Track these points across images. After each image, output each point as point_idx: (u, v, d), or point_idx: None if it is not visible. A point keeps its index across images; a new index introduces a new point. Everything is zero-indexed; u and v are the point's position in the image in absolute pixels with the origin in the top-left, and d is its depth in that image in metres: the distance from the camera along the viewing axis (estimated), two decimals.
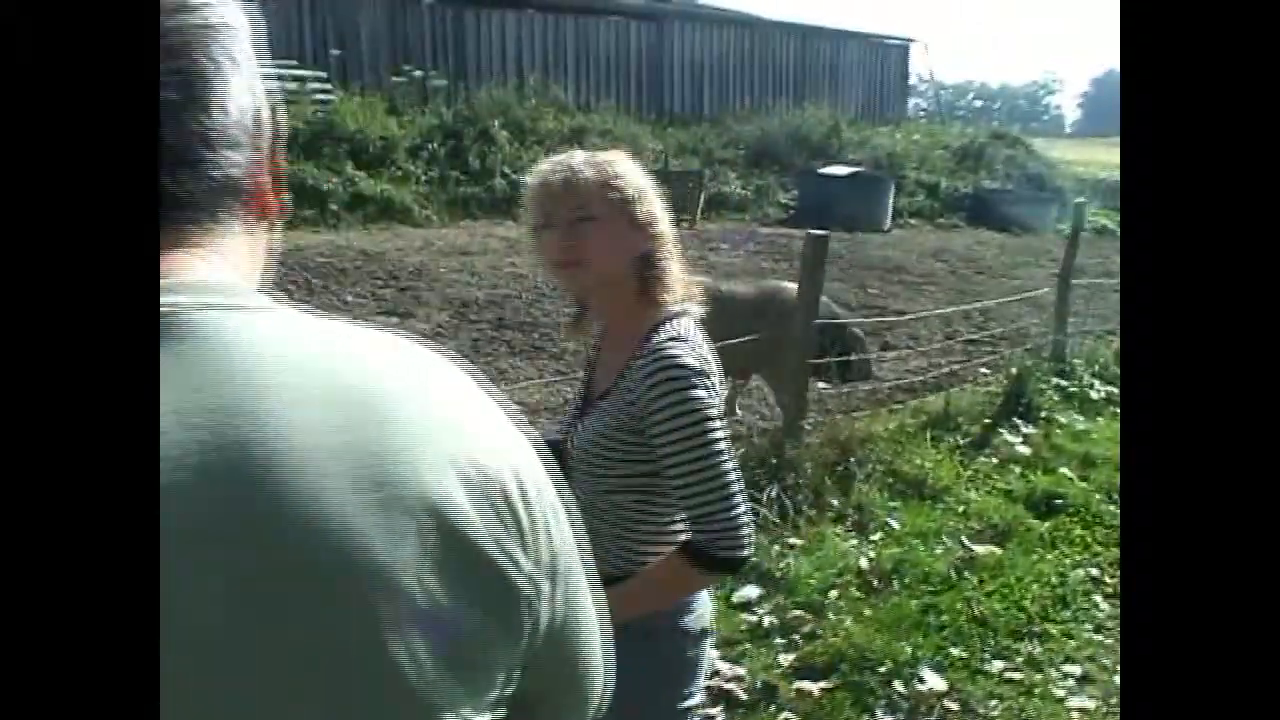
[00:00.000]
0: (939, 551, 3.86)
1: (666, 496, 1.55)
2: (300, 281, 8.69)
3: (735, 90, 18.79)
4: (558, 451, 1.69)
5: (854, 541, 3.92)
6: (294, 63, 13.51)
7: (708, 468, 1.50)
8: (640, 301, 1.62)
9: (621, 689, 1.74)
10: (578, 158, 1.60)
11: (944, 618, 3.42)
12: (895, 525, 4.04)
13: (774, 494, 3.91)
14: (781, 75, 19.65)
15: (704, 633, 1.70)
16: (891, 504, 4.24)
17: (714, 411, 1.52)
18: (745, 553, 1.52)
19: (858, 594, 3.55)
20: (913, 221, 15.82)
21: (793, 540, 3.85)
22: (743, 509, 1.52)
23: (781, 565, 3.62)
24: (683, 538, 1.57)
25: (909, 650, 3.21)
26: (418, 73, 14.42)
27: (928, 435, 4.91)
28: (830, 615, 3.39)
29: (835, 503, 4.14)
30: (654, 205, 1.62)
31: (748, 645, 3.22)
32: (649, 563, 1.63)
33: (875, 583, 3.61)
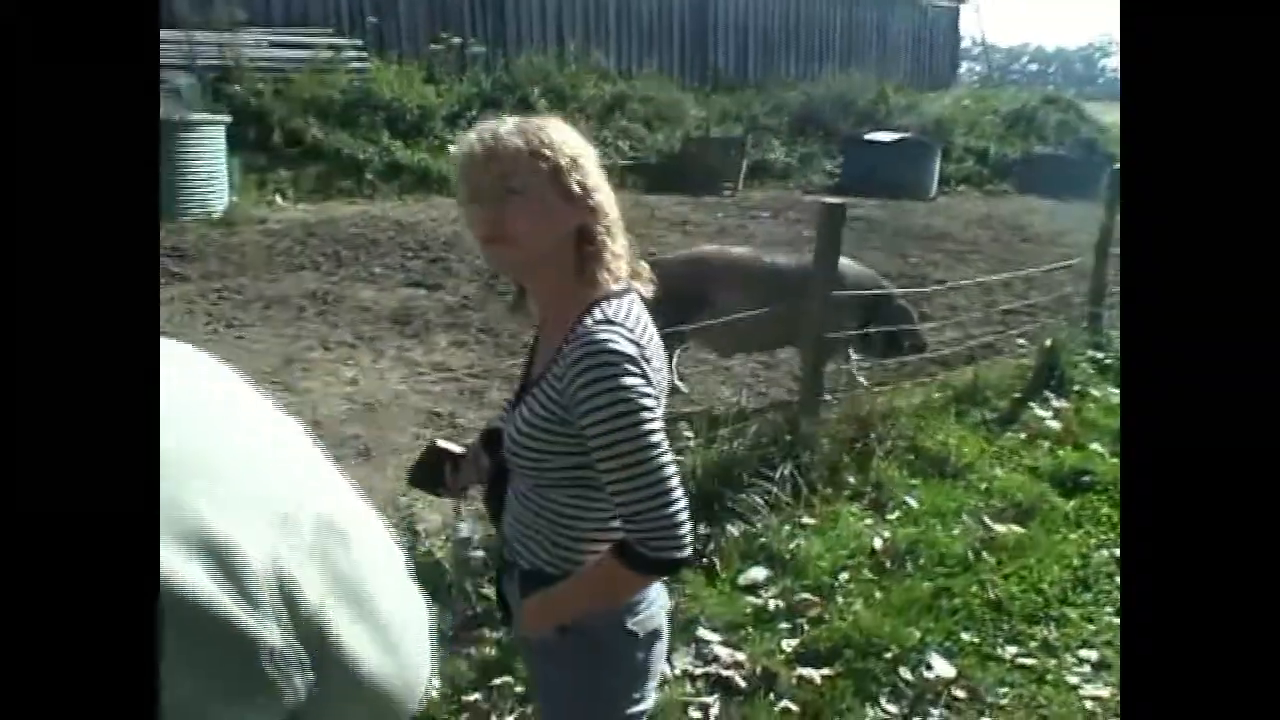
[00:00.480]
0: (957, 531, 3.73)
1: (604, 491, 1.46)
2: (330, 253, 8.70)
3: (781, 56, 18.42)
4: (499, 441, 1.61)
5: (869, 521, 3.80)
6: (330, 31, 13.49)
7: (639, 461, 1.40)
8: (577, 281, 1.51)
9: (562, 695, 1.68)
10: (506, 125, 1.49)
11: (957, 601, 3.30)
12: (913, 504, 3.91)
13: (787, 472, 3.80)
14: (828, 40, 19.21)
15: (654, 635, 1.61)
16: (911, 482, 4.11)
17: (648, 401, 1.41)
18: (681, 554, 1.42)
19: (869, 576, 3.44)
20: (960, 188, 15.46)
21: (805, 520, 3.75)
22: (678, 506, 1.42)
23: (791, 546, 3.52)
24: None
25: (918, 635, 3.10)
26: (456, 40, 14.30)
27: (953, 410, 4.75)
28: (839, 598, 3.29)
29: (852, 480, 4.03)
30: (591, 175, 1.50)
31: (751, 630, 3.13)
32: (588, 562, 1.54)
33: (888, 564, 3.50)
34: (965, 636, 3.14)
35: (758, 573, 3.41)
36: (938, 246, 10.31)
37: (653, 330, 1.54)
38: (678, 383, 5.43)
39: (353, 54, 13.38)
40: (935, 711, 2.82)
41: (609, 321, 1.44)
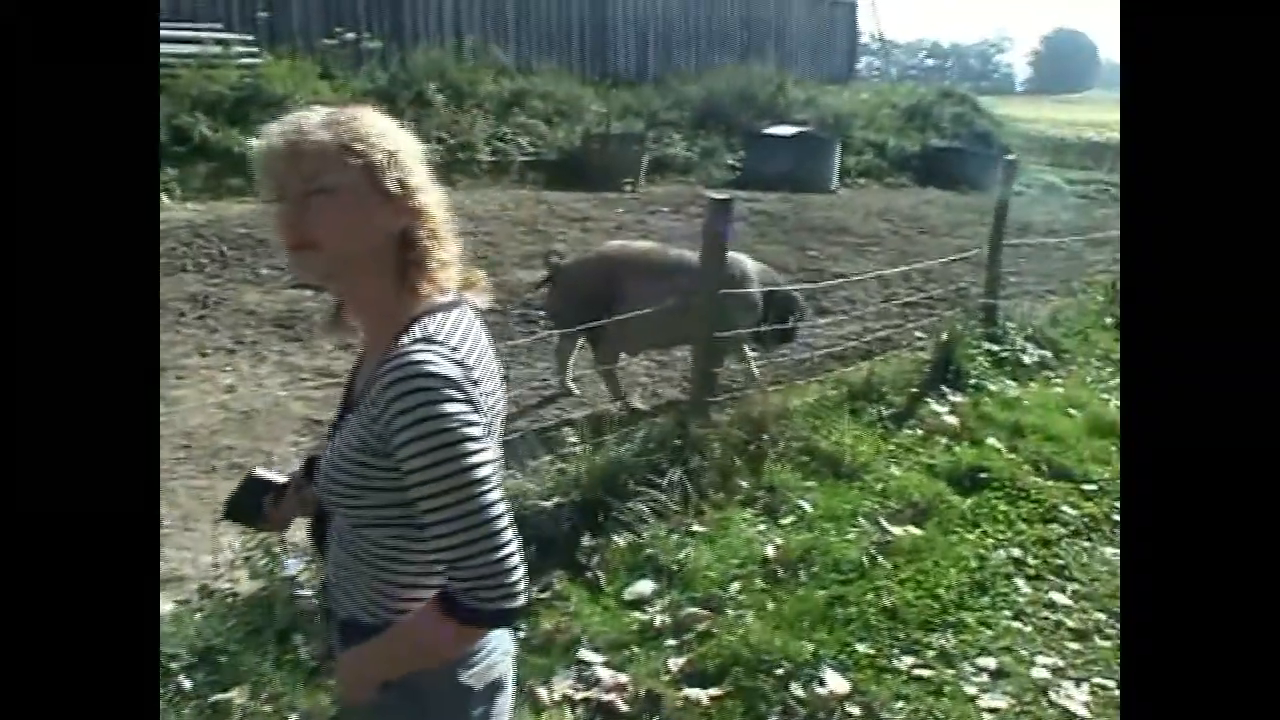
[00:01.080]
0: (852, 536, 3.62)
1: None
2: (215, 254, 8.30)
3: (681, 51, 18.33)
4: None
5: (762, 527, 3.67)
6: (218, 25, 12.93)
7: (461, 500, 1.21)
8: (397, 292, 1.32)
9: None
10: (313, 117, 1.29)
11: (852, 609, 3.19)
12: (808, 508, 3.79)
13: (676, 477, 3.64)
14: (727, 36, 19.18)
15: (494, 686, 1.42)
16: (806, 484, 3.99)
17: (473, 430, 1.22)
18: (513, 603, 1.24)
19: (762, 585, 3.30)
20: (861, 181, 15.58)
21: (696, 527, 3.59)
22: (508, 550, 1.23)
23: (680, 556, 3.36)
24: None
25: (810, 648, 2.97)
26: (351, 35, 13.85)
27: (849, 408, 4.66)
28: (729, 611, 3.14)
29: (745, 485, 3.89)
30: (413, 172, 1.32)
31: (636, 649, 2.96)
32: (409, 613, 1.35)
33: (781, 572, 3.37)
34: (860, 648, 3.02)
35: (644, 586, 3.25)
36: (838, 240, 10.31)
37: (485, 348, 1.35)
38: (569, 384, 5.25)
39: (242, 49, 12.83)
40: None
41: (428, 340, 1.26)
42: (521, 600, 1.26)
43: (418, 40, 14.90)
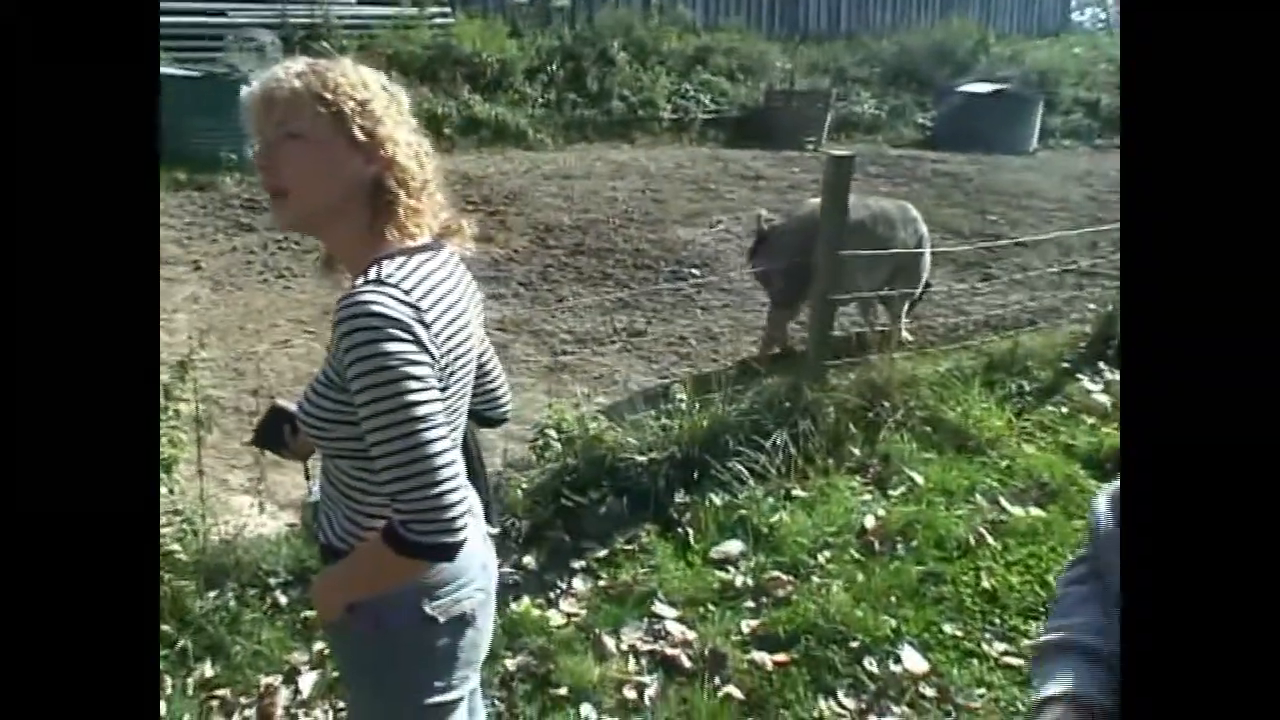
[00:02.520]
0: (963, 512, 3.44)
1: None
2: None
3: (876, 5, 17.63)
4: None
5: (868, 496, 3.54)
6: None
7: (401, 435, 1.25)
8: (367, 237, 1.37)
9: (353, 679, 1.53)
10: (291, 66, 1.34)
11: (946, 589, 3.04)
12: (919, 480, 3.63)
13: (780, 441, 3.56)
14: None
15: (461, 620, 1.45)
16: (925, 456, 3.81)
17: (416, 370, 1.25)
18: (449, 539, 1.27)
19: (855, 556, 3.20)
20: (1066, 143, 14.55)
21: (797, 492, 3.51)
22: (446, 487, 1.26)
23: (773, 519, 3.30)
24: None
25: (892, 624, 2.86)
26: None
27: (984, 380, 4.39)
28: (814, 579, 3.07)
29: (856, 452, 3.76)
30: (383, 122, 1.35)
31: (712, 608, 2.94)
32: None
33: (878, 545, 3.24)
34: (948, 628, 2.88)
35: (732, 546, 3.21)
36: (1024, 204, 9.71)
37: (448, 291, 1.37)
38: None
39: (436, 9, 13.36)
40: (896, 709, 2.59)
41: (379, 281, 1.29)
42: (460, 536, 1.27)
43: None
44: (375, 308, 1.25)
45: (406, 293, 1.28)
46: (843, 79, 14.74)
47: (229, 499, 3.50)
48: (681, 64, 14.06)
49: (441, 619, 1.43)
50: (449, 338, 1.34)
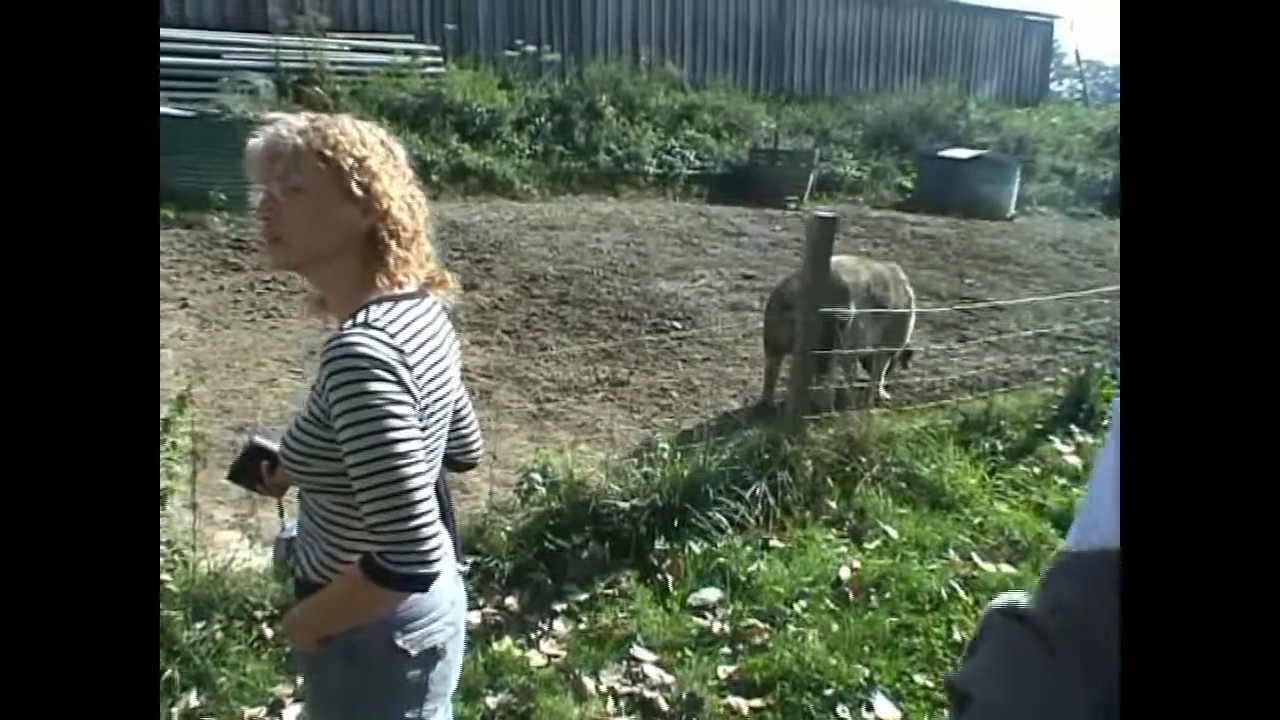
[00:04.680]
0: (935, 567, 3.53)
1: None
2: None
3: (860, 69, 18.10)
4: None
5: (843, 549, 3.63)
6: (409, 37, 13.76)
7: (381, 470, 1.32)
8: (358, 284, 1.46)
9: (323, 711, 1.59)
10: (294, 122, 1.43)
11: (918, 640, 3.11)
12: (894, 534, 3.72)
13: (759, 492, 3.65)
14: (911, 54, 18.78)
15: (432, 653, 1.52)
16: (899, 510, 3.91)
17: (398, 409, 1.34)
18: (424, 570, 1.34)
19: (830, 606, 3.27)
20: (1042, 209, 14.89)
21: (774, 542, 3.59)
22: (422, 520, 1.33)
23: (751, 568, 3.37)
24: None
25: (865, 673, 2.93)
26: (531, 47, 14.42)
27: (959, 439, 4.50)
28: (790, 627, 3.13)
29: (833, 505, 3.85)
30: (379, 177, 1.44)
31: (689, 652, 3.00)
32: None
33: (852, 595, 3.32)
34: (919, 679, 2.95)
35: (710, 593, 3.28)
36: (1001, 268, 9.93)
37: (431, 337, 1.47)
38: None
39: (429, 59, 13.61)
40: None
41: (366, 325, 1.38)
42: (432, 569, 1.35)
43: (595, 53, 15.35)
44: (362, 349, 1.33)
45: (392, 336, 1.37)
46: (826, 140, 15.05)
47: (214, 533, 3.54)
48: (668, 120, 14.33)
49: (413, 651, 1.49)
50: (430, 380, 1.43)
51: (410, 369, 1.37)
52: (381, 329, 1.37)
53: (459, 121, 12.70)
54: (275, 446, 1.78)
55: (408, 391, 1.36)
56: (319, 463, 1.42)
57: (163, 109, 10.08)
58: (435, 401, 1.45)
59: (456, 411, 1.68)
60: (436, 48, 13.83)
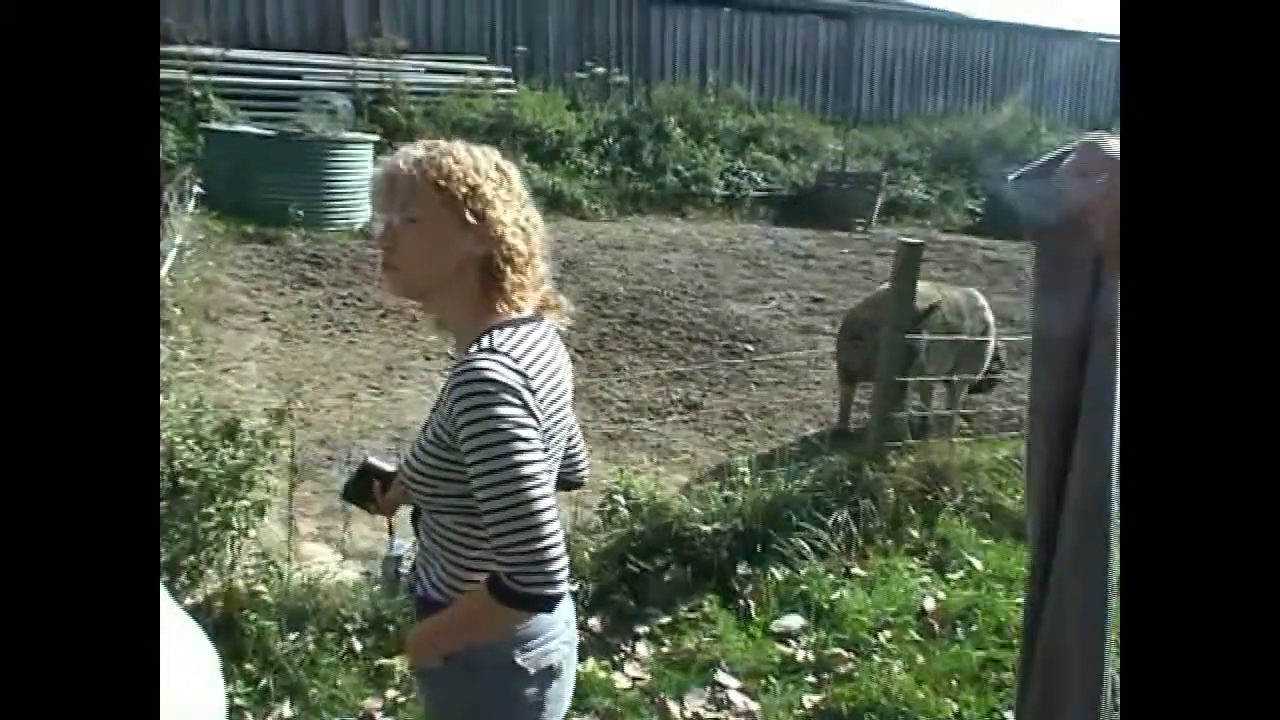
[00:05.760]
0: (1020, 600, 3.45)
1: None
2: None
3: (929, 91, 17.96)
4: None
5: (926, 578, 3.57)
6: (483, 58, 14.01)
7: (509, 492, 1.35)
8: (476, 309, 1.48)
9: None
10: (411, 152, 1.47)
11: (1007, 675, 3.05)
12: (978, 565, 3.66)
13: (841, 519, 3.62)
14: (981, 76, 18.60)
15: (548, 672, 1.54)
16: (983, 541, 3.84)
17: (525, 432, 1.36)
18: (551, 590, 1.35)
19: (915, 637, 3.23)
20: None
21: (856, 570, 3.55)
22: (550, 542, 1.35)
23: (834, 596, 3.34)
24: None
25: (954, 708, 2.88)
26: (600, 69, 14.58)
27: None
28: (875, 657, 3.10)
29: (915, 534, 3.80)
30: (493, 204, 1.46)
31: (773, 680, 2.98)
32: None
33: (937, 627, 3.27)
34: (1009, 716, 2.89)
35: (793, 620, 3.25)
36: None
37: (549, 361, 1.48)
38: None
39: (500, 80, 13.84)
40: None
41: (492, 350, 1.40)
42: (561, 589, 1.37)
43: (663, 75, 15.47)
44: (489, 374, 1.36)
45: (516, 361, 1.39)
46: (894, 162, 14.98)
47: (299, 545, 3.61)
48: (735, 142, 14.38)
49: (532, 670, 1.51)
50: (550, 403, 1.45)
51: (534, 393, 1.39)
52: (506, 354, 1.39)
53: (529, 142, 12.86)
54: (387, 466, 1.82)
55: (532, 415, 1.38)
56: (444, 484, 1.45)
57: (245, 127, 10.39)
58: (555, 424, 1.47)
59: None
60: (508, 69, 14.06)
